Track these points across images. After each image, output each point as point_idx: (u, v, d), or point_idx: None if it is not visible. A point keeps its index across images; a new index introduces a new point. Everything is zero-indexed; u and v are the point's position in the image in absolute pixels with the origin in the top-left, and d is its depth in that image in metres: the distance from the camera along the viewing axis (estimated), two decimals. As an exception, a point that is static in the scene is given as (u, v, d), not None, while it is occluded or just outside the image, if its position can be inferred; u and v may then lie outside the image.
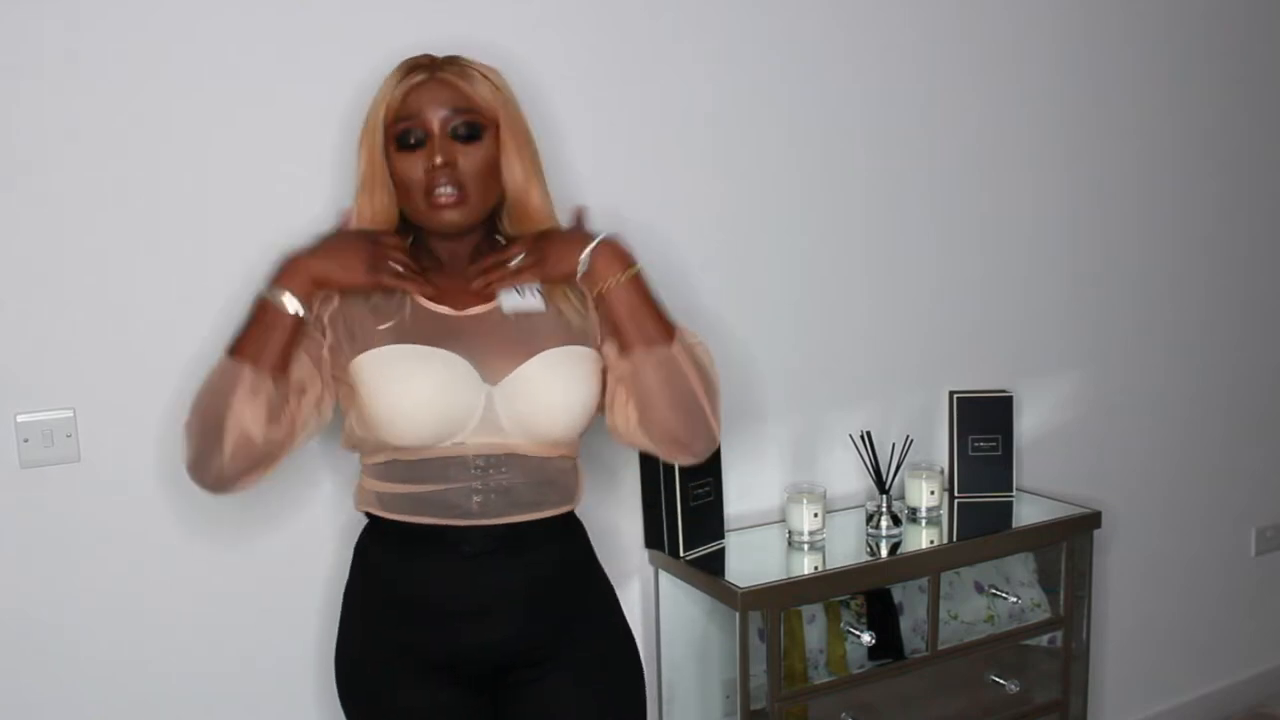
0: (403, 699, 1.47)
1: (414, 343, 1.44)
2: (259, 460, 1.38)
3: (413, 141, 1.42)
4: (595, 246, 1.42)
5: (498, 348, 1.46)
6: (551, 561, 1.51)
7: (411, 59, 1.47)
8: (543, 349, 1.46)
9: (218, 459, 1.36)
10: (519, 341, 1.46)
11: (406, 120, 1.42)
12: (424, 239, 1.52)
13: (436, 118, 1.42)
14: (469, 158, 1.43)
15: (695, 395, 1.44)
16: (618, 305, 1.42)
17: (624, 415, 1.47)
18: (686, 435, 1.46)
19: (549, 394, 1.44)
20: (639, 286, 1.43)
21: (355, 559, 1.56)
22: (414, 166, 1.43)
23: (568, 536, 1.56)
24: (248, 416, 1.35)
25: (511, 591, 1.47)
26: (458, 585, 1.46)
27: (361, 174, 1.48)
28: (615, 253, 1.43)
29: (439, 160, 1.41)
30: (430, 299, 1.47)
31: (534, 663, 1.50)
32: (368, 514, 1.53)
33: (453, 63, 1.47)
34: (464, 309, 1.48)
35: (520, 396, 1.44)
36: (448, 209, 1.43)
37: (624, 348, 1.44)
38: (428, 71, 1.45)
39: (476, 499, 1.45)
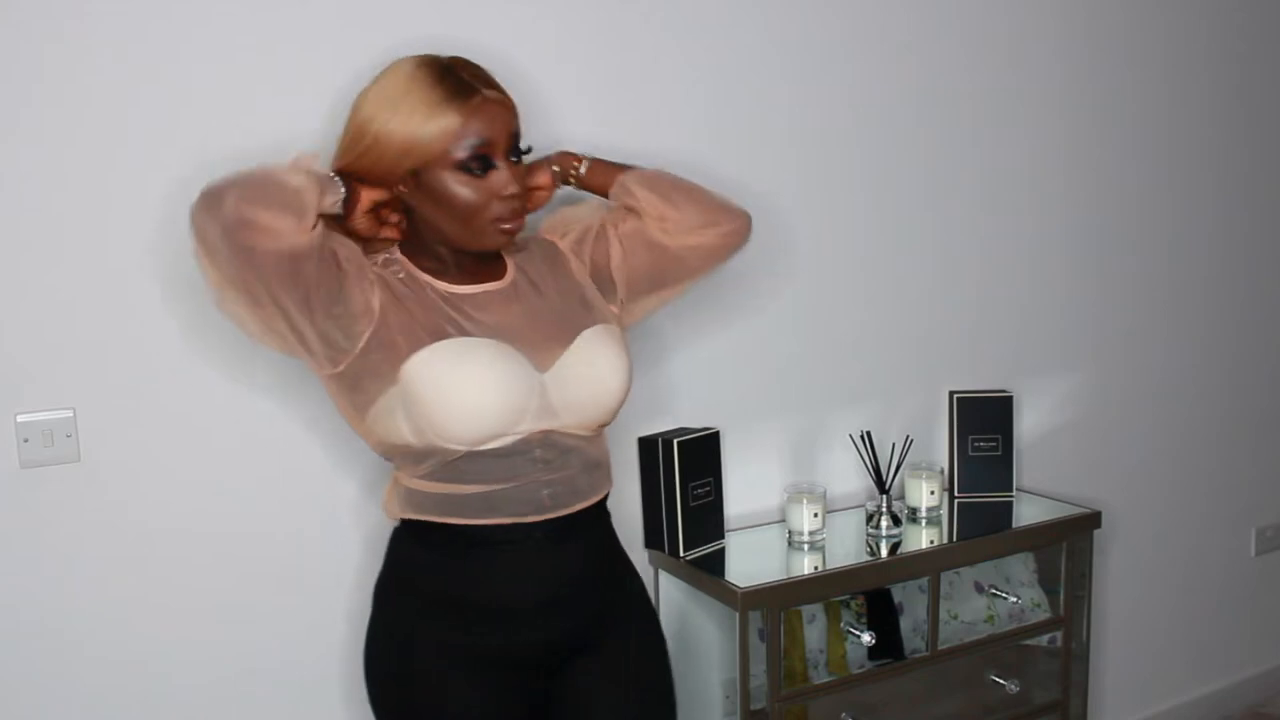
0: (456, 702, 1.45)
1: (463, 335, 1.43)
2: (279, 208, 1.30)
3: (478, 168, 1.41)
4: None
5: (537, 336, 1.47)
6: (600, 546, 1.55)
7: (434, 63, 1.42)
8: (581, 329, 1.50)
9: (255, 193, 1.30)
10: (555, 326, 1.50)
11: (478, 146, 1.40)
12: (429, 244, 1.49)
13: (502, 143, 1.42)
14: (524, 182, 1.48)
15: (686, 182, 1.63)
16: (598, 170, 1.62)
17: (663, 232, 1.59)
18: (710, 215, 1.61)
19: (600, 371, 1.49)
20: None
21: (396, 566, 1.52)
22: (479, 191, 1.42)
23: (607, 519, 1.59)
24: (304, 190, 1.32)
25: (572, 581, 1.50)
26: (525, 582, 1.47)
27: (367, 167, 1.43)
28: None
29: (514, 190, 1.44)
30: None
31: (579, 649, 1.52)
32: (412, 520, 1.49)
33: (478, 72, 1.44)
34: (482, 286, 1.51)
35: (573, 380, 1.46)
36: (511, 234, 1.47)
37: (613, 189, 1.61)
38: (469, 88, 1.41)
39: (546, 492, 1.46)
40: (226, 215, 1.27)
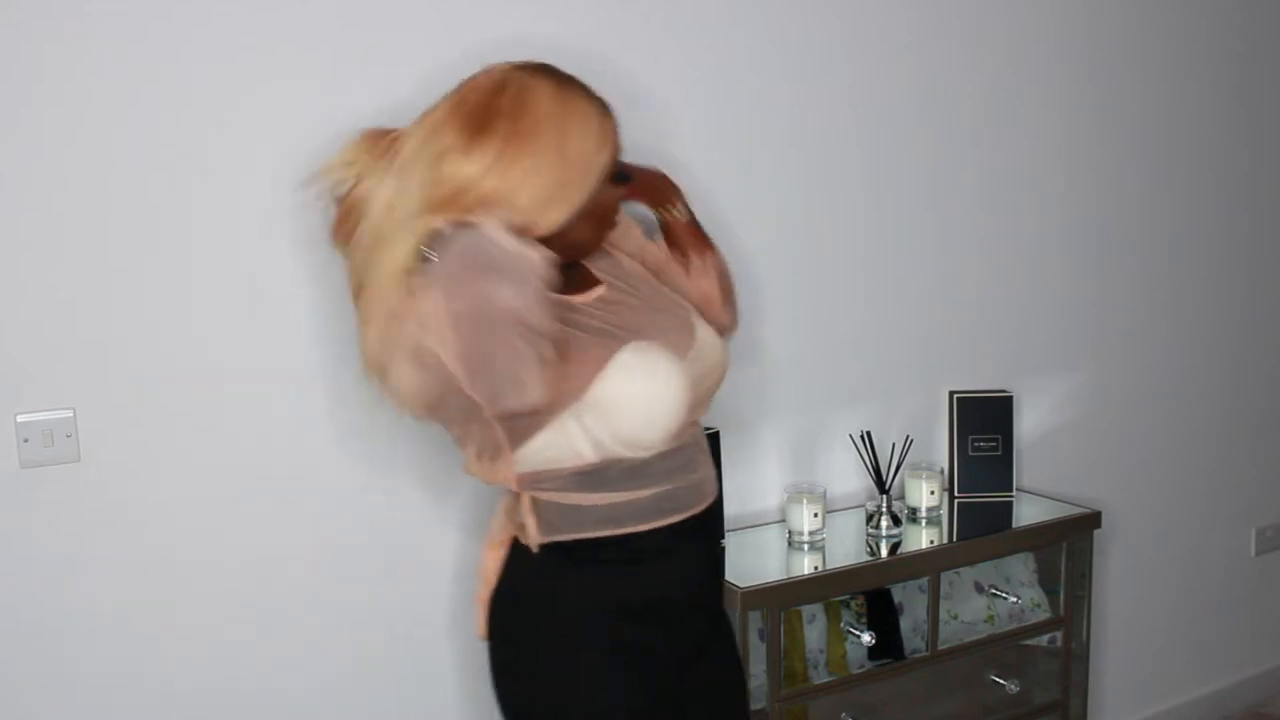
0: (659, 709, 1.46)
1: (632, 340, 1.40)
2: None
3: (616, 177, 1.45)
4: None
5: (661, 330, 1.46)
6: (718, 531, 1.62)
7: (551, 73, 1.41)
8: (691, 317, 1.53)
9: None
10: (673, 319, 1.51)
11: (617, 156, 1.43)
12: None
13: None
14: None
15: (733, 283, 1.71)
16: (690, 233, 1.66)
17: (702, 305, 1.64)
18: (731, 317, 1.70)
19: (718, 356, 1.53)
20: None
21: (550, 589, 1.45)
22: (614, 197, 1.45)
23: None
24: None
25: (719, 566, 1.57)
26: (696, 576, 1.49)
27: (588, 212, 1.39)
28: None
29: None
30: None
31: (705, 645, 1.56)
32: (567, 540, 1.43)
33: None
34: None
35: (702, 368, 1.48)
36: None
37: (697, 261, 1.65)
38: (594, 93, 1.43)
39: (709, 482, 1.50)
40: (503, 389, 1.26)
